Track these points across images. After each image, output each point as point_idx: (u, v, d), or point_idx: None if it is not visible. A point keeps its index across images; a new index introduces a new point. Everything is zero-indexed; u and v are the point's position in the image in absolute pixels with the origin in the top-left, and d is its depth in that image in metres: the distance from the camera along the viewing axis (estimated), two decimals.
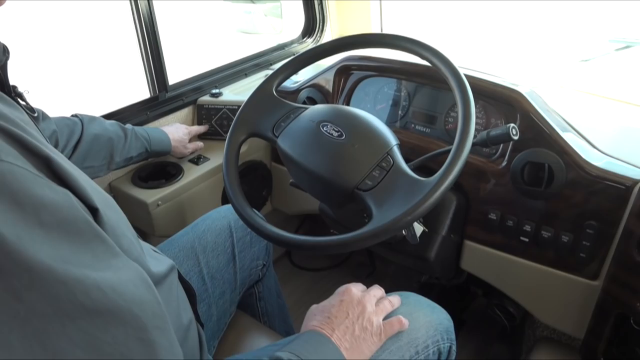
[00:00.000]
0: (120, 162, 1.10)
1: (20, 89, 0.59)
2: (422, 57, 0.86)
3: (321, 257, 1.81)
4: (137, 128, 1.15)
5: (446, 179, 0.72)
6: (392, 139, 0.84)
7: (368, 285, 0.82)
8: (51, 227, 0.36)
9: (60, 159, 0.41)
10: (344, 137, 0.83)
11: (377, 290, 0.79)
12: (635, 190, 0.86)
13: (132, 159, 1.13)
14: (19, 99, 0.57)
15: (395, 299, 0.80)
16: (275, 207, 1.55)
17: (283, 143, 0.89)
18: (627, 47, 1.60)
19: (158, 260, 0.62)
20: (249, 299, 1.08)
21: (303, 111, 0.92)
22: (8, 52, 0.57)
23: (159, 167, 1.28)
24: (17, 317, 0.33)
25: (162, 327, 0.42)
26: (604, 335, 0.92)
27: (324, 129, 0.85)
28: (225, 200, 1.36)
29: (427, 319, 0.80)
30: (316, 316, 0.73)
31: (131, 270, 0.42)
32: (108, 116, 1.21)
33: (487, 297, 1.30)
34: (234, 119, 0.95)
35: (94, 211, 0.42)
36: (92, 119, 1.07)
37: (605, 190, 0.90)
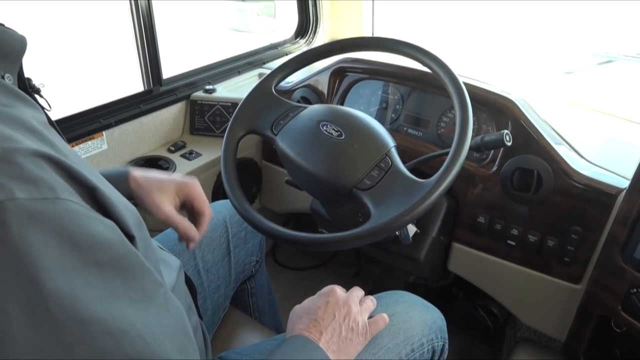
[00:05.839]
0: None
1: (35, 82, 0.56)
2: (422, 63, 0.88)
3: (305, 256, 1.82)
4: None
5: (444, 180, 0.74)
6: (390, 141, 0.85)
7: (354, 284, 0.83)
8: (106, 266, 0.37)
9: (101, 184, 0.41)
10: (343, 137, 0.85)
11: (358, 291, 0.80)
12: (620, 198, 0.90)
13: None
14: (35, 95, 0.54)
15: (371, 297, 0.81)
16: (263, 205, 1.56)
17: (282, 141, 0.90)
18: (609, 61, 1.66)
19: (167, 264, 0.62)
20: (242, 294, 1.08)
21: (302, 110, 0.93)
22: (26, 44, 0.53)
23: (151, 162, 1.28)
24: None
25: None
26: (586, 337, 0.96)
27: (324, 128, 0.87)
28: (215, 196, 1.36)
29: (422, 318, 0.82)
30: (302, 318, 0.72)
31: (174, 309, 0.43)
32: (102, 108, 1.21)
33: (471, 299, 1.33)
34: (233, 115, 0.96)
35: (131, 239, 0.42)
36: None
37: (591, 198, 0.93)
